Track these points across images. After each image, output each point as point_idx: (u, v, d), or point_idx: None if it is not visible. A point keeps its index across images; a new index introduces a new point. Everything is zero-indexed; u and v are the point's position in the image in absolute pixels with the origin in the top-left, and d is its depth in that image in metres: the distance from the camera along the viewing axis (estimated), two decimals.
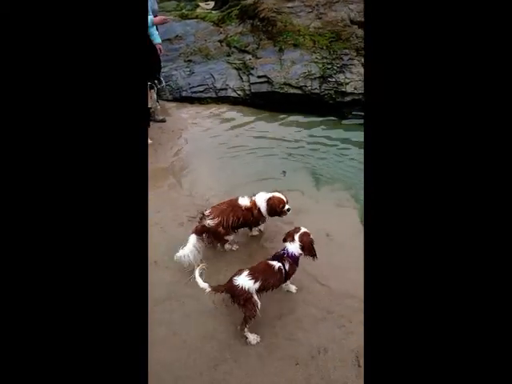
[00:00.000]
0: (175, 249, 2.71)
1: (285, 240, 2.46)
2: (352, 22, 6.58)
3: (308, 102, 6.02)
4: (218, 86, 6.32)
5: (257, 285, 2.18)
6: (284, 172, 4.33)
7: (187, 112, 5.98)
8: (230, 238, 2.95)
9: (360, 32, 6.40)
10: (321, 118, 5.80)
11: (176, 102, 6.35)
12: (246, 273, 2.21)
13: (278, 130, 5.44)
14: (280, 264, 2.33)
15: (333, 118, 5.85)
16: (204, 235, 2.87)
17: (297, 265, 2.42)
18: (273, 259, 2.37)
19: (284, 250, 2.40)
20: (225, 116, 5.86)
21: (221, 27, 7.38)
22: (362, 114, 5.90)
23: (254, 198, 2.93)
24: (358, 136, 5.20)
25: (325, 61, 6.26)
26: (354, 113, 5.91)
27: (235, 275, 2.24)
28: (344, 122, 5.79)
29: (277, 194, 2.91)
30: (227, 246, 3.02)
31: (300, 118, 5.79)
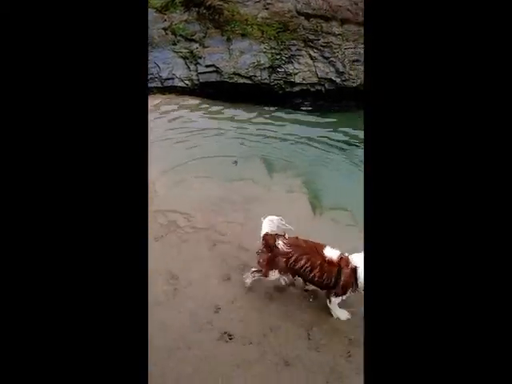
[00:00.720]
0: None
1: None
2: (299, 13, 6.70)
3: (257, 93, 6.07)
4: (164, 75, 6.10)
5: None
6: (236, 162, 4.33)
7: None
8: (274, 277, 2.38)
9: (307, 23, 6.55)
10: (270, 108, 5.88)
11: None
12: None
13: (228, 120, 5.41)
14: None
15: (282, 107, 5.96)
16: (264, 246, 2.37)
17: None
18: None
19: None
20: (172, 107, 5.68)
21: (165, 14, 7.08)
22: (309, 103, 6.12)
23: (346, 256, 2.23)
24: (307, 124, 5.40)
25: (273, 51, 6.33)
26: (302, 102, 6.10)
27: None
28: (292, 111, 5.93)
29: None
30: (272, 275, 2.39)
31: (249, 108, 5.82)
